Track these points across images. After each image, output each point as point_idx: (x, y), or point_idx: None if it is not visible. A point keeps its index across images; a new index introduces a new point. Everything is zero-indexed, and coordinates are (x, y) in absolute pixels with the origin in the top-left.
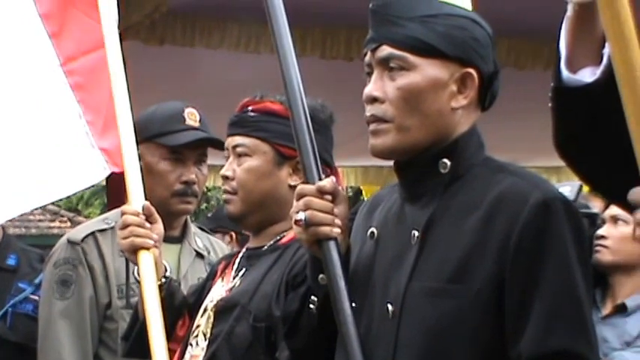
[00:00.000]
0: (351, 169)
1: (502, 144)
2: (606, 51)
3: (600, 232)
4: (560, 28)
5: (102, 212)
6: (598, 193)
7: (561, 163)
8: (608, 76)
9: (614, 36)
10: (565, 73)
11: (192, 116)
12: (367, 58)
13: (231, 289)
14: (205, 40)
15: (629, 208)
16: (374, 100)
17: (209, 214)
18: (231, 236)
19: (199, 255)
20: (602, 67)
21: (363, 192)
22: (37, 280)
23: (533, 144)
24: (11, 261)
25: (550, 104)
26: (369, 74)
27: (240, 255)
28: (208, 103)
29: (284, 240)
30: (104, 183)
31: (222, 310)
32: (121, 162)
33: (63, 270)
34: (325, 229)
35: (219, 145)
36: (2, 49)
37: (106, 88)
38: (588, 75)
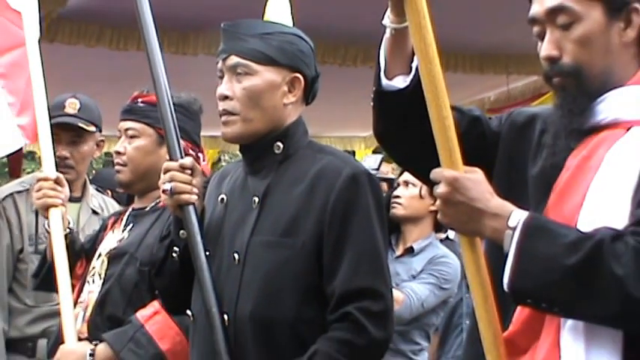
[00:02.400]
0: None
1: (311, 120)
2: (415, 64)
3: (396, 192)
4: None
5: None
6: (409, 170)
7: (350, 133)
8: (416, 83)
9: (422, 54)
10: (384, 80)
11: (71, 105)
12: (219, 65)
13: (120, 240)
14: (86, 40)
15: (431, 183)
16: (225, 97)
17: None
18: (107, 193)
19: (95, 212)
20: (411, 76)
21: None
22: None
23: (332, 120)
24: None
25: (371, 103)
26: (221, 77)
27: (128, 213)
28: (93, 89)
29: (162, 203)
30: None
31: (114, 256)
32: (33, 135)
33: None
34: (185, 196)
35: (81, 128)
36: None
37: (23, 78)
38: (401, 82)
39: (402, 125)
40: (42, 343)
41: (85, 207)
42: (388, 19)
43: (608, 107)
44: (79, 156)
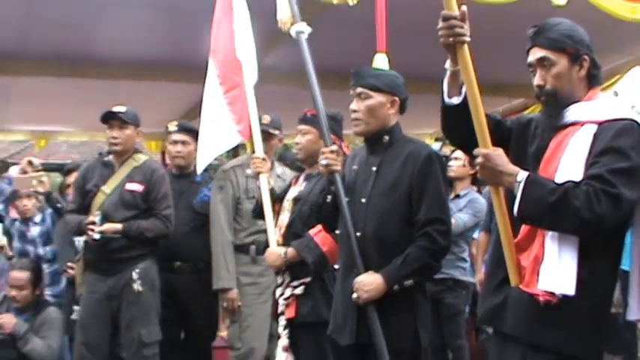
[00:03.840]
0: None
1: (402, 123)
2: (464, 90)
3: (450, 163)
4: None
5: (227, 155)
6: (461, 150)
7: (423, 131)
8: (465, 100)
9: (468, 83)
10: (446, 99)
11: (265, 119)
12: (351, 92)
13: (300, 191)
14: (278, 82)
15: (473, 157)
16: (354, 111)
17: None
18: (283, 164)
19: (278, 176)
20: (462, 96)
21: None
22: (209, 186)
23: (412, 123)
24: (198, 178)
25: (439, 113)
26: (353, 99)
27: (303, 176)
28: (278, 109)
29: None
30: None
31: (296, 200)
32: (246, 135)
33: (220, 182)
34: (333, 167)
35: (268, 132)
36: (207, 91)
37: (239, 103)
38: (456, 100)
39: (457, 124)
40: (252, 248)
41: (274, 173)
42: (448, 65)
43: (571, 113)
44: (268, 147)
